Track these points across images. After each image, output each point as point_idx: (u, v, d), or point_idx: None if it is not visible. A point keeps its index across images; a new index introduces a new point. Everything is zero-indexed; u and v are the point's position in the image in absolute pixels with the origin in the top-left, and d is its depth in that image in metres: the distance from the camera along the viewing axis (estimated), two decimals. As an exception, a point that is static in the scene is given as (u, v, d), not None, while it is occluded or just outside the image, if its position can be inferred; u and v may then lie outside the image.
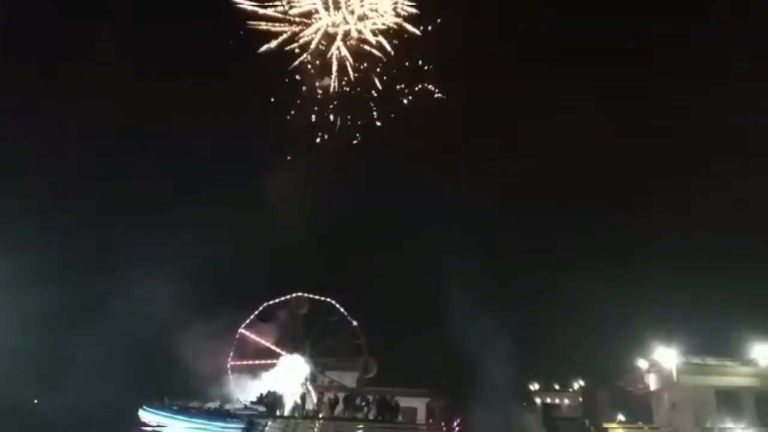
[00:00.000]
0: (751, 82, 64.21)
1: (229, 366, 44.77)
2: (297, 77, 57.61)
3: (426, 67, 58.76)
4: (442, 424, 37.30)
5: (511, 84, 65.70)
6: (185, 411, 37.77)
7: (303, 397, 40.97)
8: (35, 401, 59.72)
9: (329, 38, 56.43)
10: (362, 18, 55.87)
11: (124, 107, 66.21)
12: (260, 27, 56.25)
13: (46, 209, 64.35)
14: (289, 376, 43.46)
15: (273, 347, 45.08)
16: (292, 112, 58.95)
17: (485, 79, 64.04)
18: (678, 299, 53.53)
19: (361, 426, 38.25)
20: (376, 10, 56.07)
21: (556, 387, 67.01)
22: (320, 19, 55.76)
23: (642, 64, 71.59)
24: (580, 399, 63.97)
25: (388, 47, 56.53)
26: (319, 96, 58.11)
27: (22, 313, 48.58)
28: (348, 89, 57.88)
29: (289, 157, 61.07)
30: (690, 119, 68.22)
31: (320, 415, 39.04)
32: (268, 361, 45.10)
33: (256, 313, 45.18)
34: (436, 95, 59.03)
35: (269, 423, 36.76)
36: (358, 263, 66.57)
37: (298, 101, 58.59)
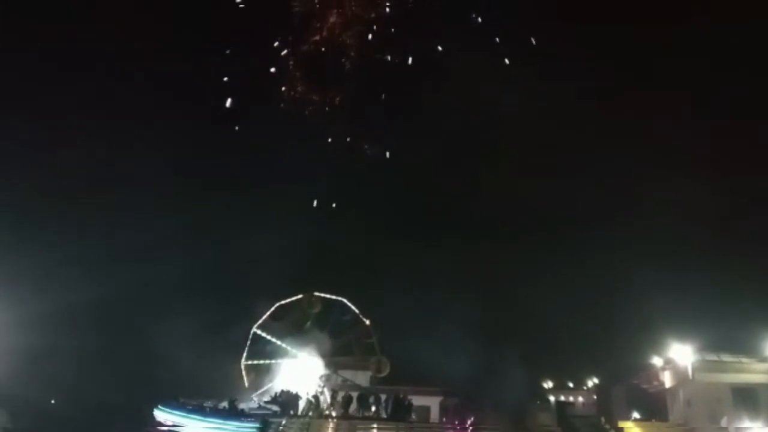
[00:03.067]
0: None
1: (242, 366, 45.00)
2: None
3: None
4: (456, 422, 37.28)
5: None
6: (200, 410, 38.04)
7: (316, 396, 41.12)
8: (52, 401, 60.39)
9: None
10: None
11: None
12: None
13: (59, 206, 65.05)
14: (303, 376, 43.61)
15: (286, 346, 45.23)
16: None
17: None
18: (693, 296, 53.11)
19: (374, 425, 38.37)
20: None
21: (570, 385, 66.63)
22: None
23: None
24: (595, 397, 63.56)
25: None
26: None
27: (37, 312, 49.09)
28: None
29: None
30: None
31: (334, 414, 39.19)
32: (282, 361, 45.26)
33: (269, 312, 45.36)
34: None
35: (283, 422, 36.94)
36: (368, 262, 66.64)
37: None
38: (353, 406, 39.23)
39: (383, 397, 40.00)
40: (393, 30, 53.44)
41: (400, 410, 38.35)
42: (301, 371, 43.98)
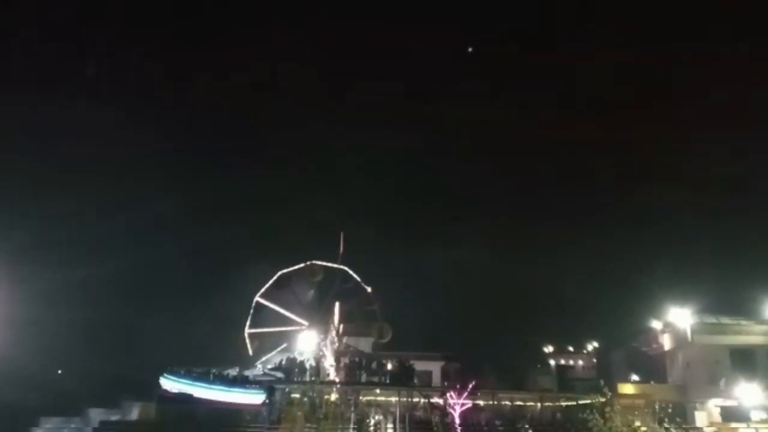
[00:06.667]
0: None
1: (246, 334, 45.36)
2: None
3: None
4: (458, 386, 37.81)
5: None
6: (205, 378, 38.52)
7: (319, 363, 41.63)
8: (59, 371, 61.20)
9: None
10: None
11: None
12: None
13: (70, 181, 65.43)
14: (306, 343, 44.03)
15: (289, 314, 45.56)
16: None
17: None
18: (692, 259, 53.47)
19: (377, 389, 38.93)
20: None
21: (570, 349, 67.49)
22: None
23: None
24: (595, 360, 64.44)
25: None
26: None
27: (44, 285, 49.54)
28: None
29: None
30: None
31: (337, 380, 39.72)
32: (285, 329, 45.64)
33: (272, 281, 45.55)
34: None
35: (287, 389, 37.44)
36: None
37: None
38: (356, 371, 39.78)
39: (386, 362, 40.52)
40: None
41: (403, 375, 38.84)
42: (304, 338, 44.39)
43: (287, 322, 45.51)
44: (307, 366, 40.95)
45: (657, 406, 37.86)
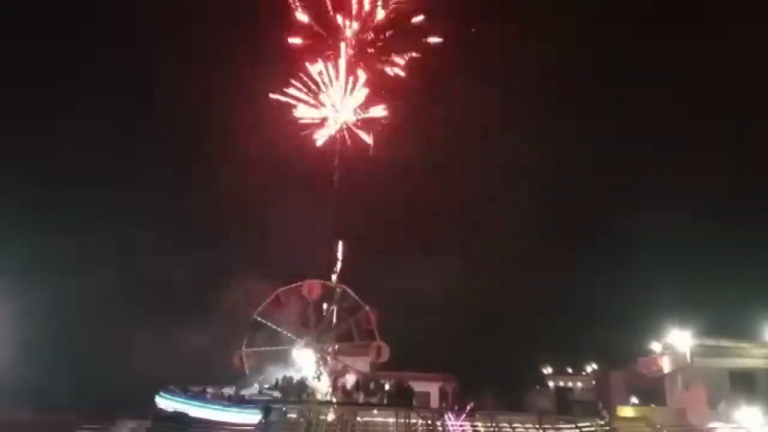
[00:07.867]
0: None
1: (242, 352, 44.99)
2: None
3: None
4: (456, 408, 37.44)
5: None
6: (201, 397, 38.19)
7: (316, 382, 41.29)
8: (53, 390, 60.46)
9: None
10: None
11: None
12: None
13: (63, 195, 65.32)
14: (302, 362, 43.68)
15: (286, 333, 45.23)
16: None
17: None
18: (691, 281, 53.28)
19: (375, 410, 38.55)
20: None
21: (569, 371, 67.14)
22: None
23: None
24: (594, 382, 63.97)
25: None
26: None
27: (37, 299, 49.13)
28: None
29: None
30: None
31: (334, 400, 39.33)
32: (282, 347, 45.28)
33: (269, 299, 45.27)
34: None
35: (284, 408, 37.10)
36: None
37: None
38: (354, 392, 39.40)
39: (383, 382, 40.20)
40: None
41: (400, 396, 38.46)
42: (300, 357, 44.02)
43: (284, 340, 45.16)
44: (304, 385, 40.60)
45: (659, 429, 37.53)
